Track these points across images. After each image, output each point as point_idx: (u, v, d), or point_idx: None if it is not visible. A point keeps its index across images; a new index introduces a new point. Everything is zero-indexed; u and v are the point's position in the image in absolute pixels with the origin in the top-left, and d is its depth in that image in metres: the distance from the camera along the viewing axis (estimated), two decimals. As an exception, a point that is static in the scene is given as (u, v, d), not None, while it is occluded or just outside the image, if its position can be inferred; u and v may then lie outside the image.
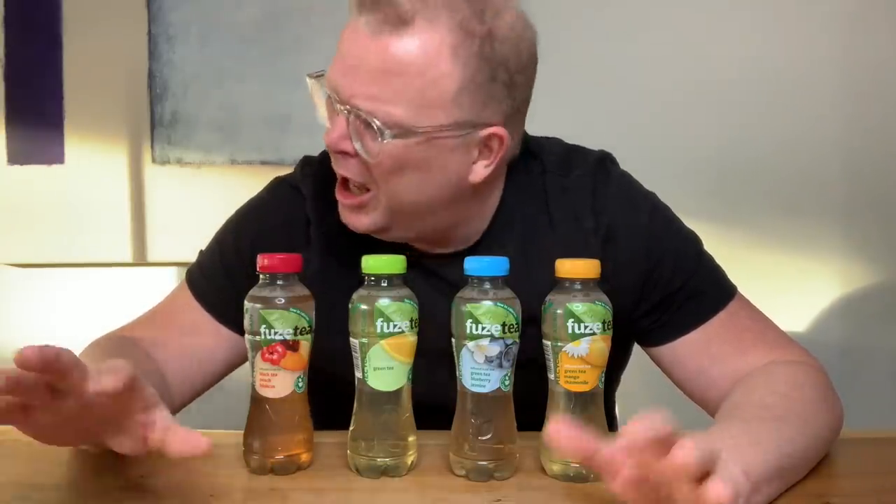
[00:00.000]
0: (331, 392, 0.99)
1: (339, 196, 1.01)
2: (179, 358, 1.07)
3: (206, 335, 1.09)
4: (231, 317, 1.08)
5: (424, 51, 0.91)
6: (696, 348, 1.03)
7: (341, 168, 0.99)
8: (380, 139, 0.93)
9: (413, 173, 0.96)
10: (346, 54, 0.94)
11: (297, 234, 1.09)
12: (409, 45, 0.91)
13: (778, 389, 0.91)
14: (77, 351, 1.01)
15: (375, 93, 0.92)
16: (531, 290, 0.91)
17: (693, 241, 1.08)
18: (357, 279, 0.90)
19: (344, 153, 0.96)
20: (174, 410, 1.06)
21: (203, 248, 1.16)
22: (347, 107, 0.94)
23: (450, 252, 1.05)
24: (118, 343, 1.04)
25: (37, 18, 2.03)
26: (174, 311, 1.12)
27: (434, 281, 1.03)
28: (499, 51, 0.94)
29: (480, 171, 0.99)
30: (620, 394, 1.26)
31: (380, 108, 0.92)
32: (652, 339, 1.06)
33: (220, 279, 1.10)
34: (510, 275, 0.89)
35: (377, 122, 0.92)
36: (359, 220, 1.01)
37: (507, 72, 0.95)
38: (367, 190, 0.98)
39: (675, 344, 1.04)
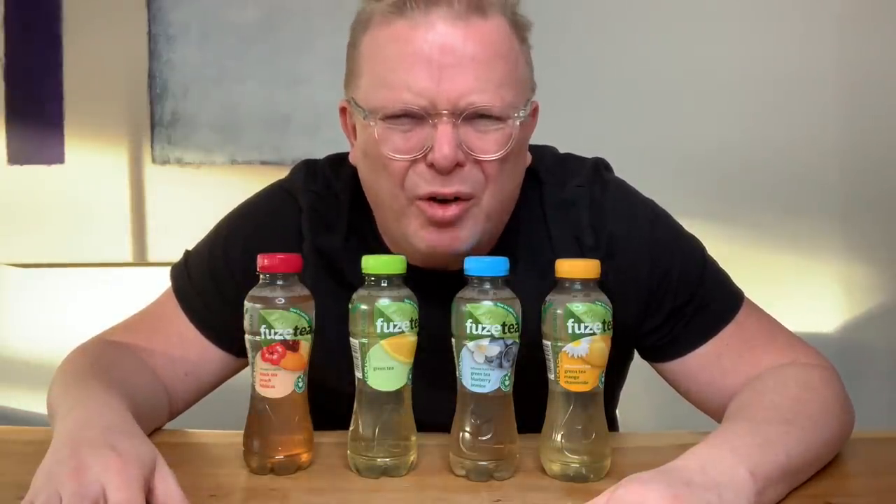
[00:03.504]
0: (327, 405, 0.97)
1: (438, 211, 0.92)
2: (170, 369, 1.03)
3: (192, 349, 1.05)
4: (217, 328, 1.05)
5: (504, 31, 0.92)
6: (707, 361, 1.00)
7: (451, 186, 0.91)
8: (511, 124, 0.91)
9: (515, 160, 0.95)
10: (432, 55, 0.88)
11: (289, 246, 1.02)
12: (493, 26, 0.91)
13: (788, 391, 0.90)
14: (70, 349, 1.02)
15: (488, 80, 0.89)
16: (535, 304, 0.89)
17: (697, 248, 1.05)
18: (349, 300, 0.88)
19: (459, 165, 0.90)
20: (171, 417, 1.05)
21: (190, 248, 1.11)
22: (455, 111, 0.89)
23: (451, 270, 0.98)
24: (113, 353, 1.00)
25: (37, 18, 2.03)
26: (161, 320, 1.07)
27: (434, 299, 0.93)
28: (521, 23, 0.96)
29: (527, 154, 1.01)
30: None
31: (498, 95, 0.90)
32: (661, 356, 1.03)
33: (208, 288, 1.06)
34: (513, 289, 0.87)
35: (505, 110, 0.90)
36: (458, 238, 0.94)
37: (527, 42, 0.97)
38: (465, 199, 0.93)
39: (685, 359, 1.01)
